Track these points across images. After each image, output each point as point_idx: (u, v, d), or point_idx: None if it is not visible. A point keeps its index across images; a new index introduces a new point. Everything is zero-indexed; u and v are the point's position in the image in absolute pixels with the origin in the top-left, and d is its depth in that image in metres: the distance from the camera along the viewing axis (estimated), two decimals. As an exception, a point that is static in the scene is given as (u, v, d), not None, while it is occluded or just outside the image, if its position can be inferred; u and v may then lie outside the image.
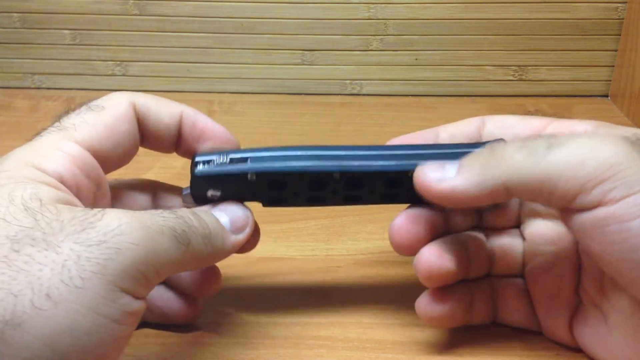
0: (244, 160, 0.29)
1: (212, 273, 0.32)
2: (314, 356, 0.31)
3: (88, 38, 0.60)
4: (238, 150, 0.30)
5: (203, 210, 0.29)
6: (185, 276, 0.31)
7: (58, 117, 0.29)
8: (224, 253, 0.29)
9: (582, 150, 0.24)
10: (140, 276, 0.24)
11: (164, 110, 0.30)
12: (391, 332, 0.33)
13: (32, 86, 0.62)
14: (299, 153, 0.29)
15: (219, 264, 0.31)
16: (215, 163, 0.29)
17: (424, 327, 0.33)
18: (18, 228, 0.23)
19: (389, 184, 0.30)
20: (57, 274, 0.22)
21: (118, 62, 0.61)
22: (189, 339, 0.32)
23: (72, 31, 0.60)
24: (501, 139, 0.30)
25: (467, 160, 0.27)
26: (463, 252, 0.30)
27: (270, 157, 0.29)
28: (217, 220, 0.29)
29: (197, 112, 0.31)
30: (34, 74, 0.62)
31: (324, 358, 0.31)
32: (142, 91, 0.31)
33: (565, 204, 0.25)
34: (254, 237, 0.31)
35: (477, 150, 0.28)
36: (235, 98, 0.60)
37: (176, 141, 0.31)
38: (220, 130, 0.31)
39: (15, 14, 0.60)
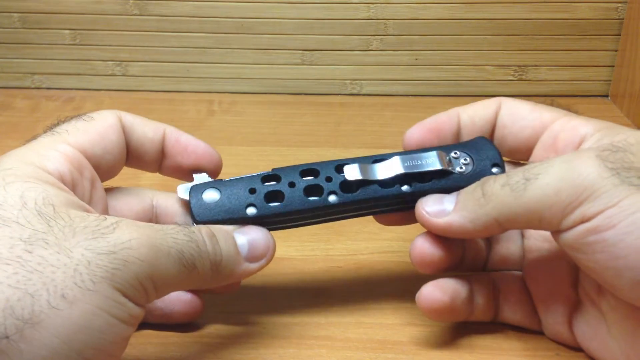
0: None
1: None
2: (314, 356, 0.31)
3: (88, 38, 0.60)
4: (233, 182, 0.31)
5: (224, 232, 0.29)
6: None
7: (50, 127, 0.30)
8: (231, 279, 0.29)
9: (556, 179, 0.26)
10: (141, 288, 0.25)
11: (148, 126, 0.32)
12: (391, 332, 0.33)
13: (32, 86, 0.62)
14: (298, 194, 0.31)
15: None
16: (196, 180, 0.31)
17: (424, 327, 0.33)
18: (32, 231, 0.23)
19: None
20: (70, 277, 0.23)
21: (118, 62, 0.61)
22: (189, 339, 0.32)
23: (72, 31, 0.60)
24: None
25: (461, 196, 0.29)
26: (458, 241, 0.31)
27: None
28: (235, 246, 0.29)
29: (180, 130, 0.33)
30: (34, 74, 0.62)
31: (324, 358, 0.31)
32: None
33: (553, 229, 0.27)
34: (232, 284, 0.31)
35: (470, 187, 0.29)
36: (235, 98, 0.60)
37: (160, 158, 0.32)
38: (202, 146, 0.33)
39: (15, 14, 0.60)
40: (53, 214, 0.24)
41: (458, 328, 0.33)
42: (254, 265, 0.30)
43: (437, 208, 0.29)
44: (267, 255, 0.30)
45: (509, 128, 0.32)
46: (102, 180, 0.30)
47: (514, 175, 0.27)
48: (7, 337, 0.21)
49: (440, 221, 0.29)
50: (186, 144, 0.32)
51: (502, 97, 0.33)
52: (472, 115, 0.32)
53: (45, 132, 0.29)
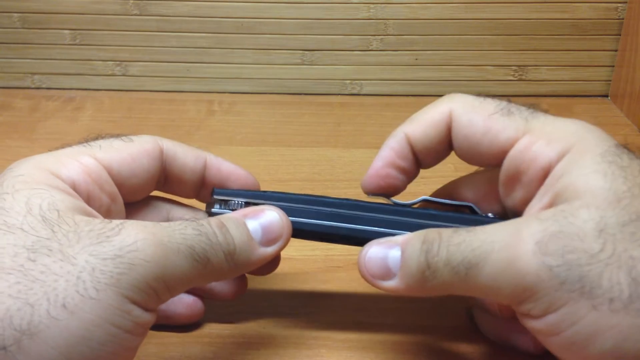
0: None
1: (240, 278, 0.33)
2: (314, 356, 0.31)
3: (88, 38, 0.60)
4: (255, 193, 0.31)
5: (235, 220, 0.28)
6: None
7: (87, 138, 0.30)
8: (249, 267, 0.29)
9: (495, 271, 0.24)
10: (151, 291, 0.24)
11: (189, 154, 0.31)
12: (391, 332, 0.33)
13: (32, 86, 0.62)
14: (314, 209, 0.31)
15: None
16: (231, 206, 0.31)
17: (424, 327, 0.33)
18: (35, 238, 0.23)
19: None
20: (72, 285, 0.22)
21: (118, 62, 0.61)
22: (189, 339, 0.32)
23: (72, 31, 0.60)
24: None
25: (406, 260, 0.27)
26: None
27: (285, 208, 0.30)
28: (248, 233, 0.28)
29: (220, 158, 0.32)
30: (34, 74, 0.62)
31: (323, 358, 0.31)
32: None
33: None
34: (273, 263, 0.31)
35: (415, 246, 0.26)
36: (235, 98, 0.60)
37: (200, 186, 0.32)
38: (244, 175, 0.32)
39: (15, 14, 0.60)
40: (57, 219, 0.24)
41: (459, 330, 0.33)
42: (270, 249, 0.29)
43: (380, 269, 0.27)
44: (283, 236, 0.29)
45: (465, 152, 0.29)
46: (126, 201, 0.30)
47: (455, 251, 0.25)
48: (4, 348, 0.21)
49: (384, 286, 0.27)
50: (228, 173, 0.32)
51: (450, 102, 0.29)
52: (423, 141, 0.30)
53: (79, 142, 0.29)
